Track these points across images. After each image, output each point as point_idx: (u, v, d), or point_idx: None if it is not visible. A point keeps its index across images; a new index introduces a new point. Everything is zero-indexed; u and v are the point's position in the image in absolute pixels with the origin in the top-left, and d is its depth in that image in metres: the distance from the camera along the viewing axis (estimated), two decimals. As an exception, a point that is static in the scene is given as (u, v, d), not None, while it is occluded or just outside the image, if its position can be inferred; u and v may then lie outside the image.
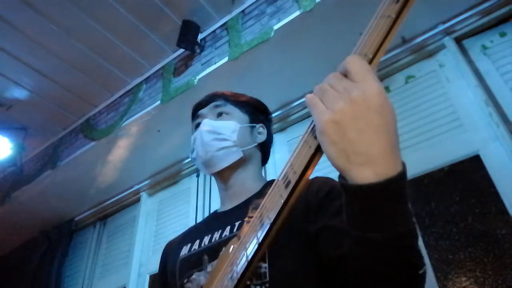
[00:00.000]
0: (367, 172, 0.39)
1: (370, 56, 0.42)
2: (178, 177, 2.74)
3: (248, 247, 0.49)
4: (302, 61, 2.00)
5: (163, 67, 2.57)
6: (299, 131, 2.22)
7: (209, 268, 0.70)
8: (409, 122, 1.77)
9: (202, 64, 2.26)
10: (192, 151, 0.89)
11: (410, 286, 0.46)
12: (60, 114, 2.96)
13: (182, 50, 2.42)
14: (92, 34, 2.43)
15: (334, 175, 0.50)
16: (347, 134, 0.40)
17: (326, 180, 0.72)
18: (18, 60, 2.55)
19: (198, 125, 0.89)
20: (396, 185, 0.40)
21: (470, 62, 1.76)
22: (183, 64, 2.42)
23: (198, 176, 2.55)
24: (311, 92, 0.46)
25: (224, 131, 0.85)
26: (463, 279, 1.41)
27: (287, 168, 0.46)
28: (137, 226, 2.71)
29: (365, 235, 0.43)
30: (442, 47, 1.86)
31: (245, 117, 0.91)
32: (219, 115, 0.89)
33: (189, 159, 2.59)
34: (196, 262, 0.74)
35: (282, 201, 0.45)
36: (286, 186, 0.45)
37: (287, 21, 1.88)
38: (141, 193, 2.87)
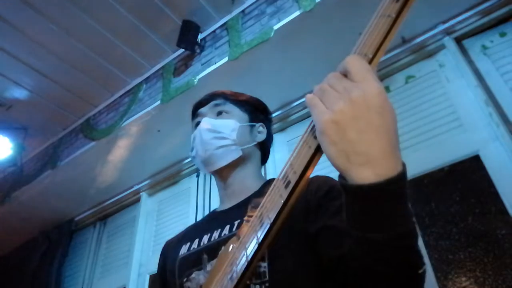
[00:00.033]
0: (367, 172, 0.39)
1: (370, 56, 0.42)
2: (178, 177, 2.74)
3: (248, 247, 0.48)
4: (302, 61, 2.00)
5: (163, 67, 2.57)
6: (299, 131, 2.22)
7: (208, 267, 0.70)
8: (409, 122, 1.77)
9: (202, 64, 2.26)
10: (192, 150, 0.89)
11: (410, 285, 0.46)
12: (60, 114, 2.96)
13: (182, 50, 2.42)
14: (92, 34, 2.43)
15: (334, 175, 0.50)
16: (347, 134, 0.40)
17: (326, 179, 0.72)
18: (18, 60, 2.55)
19: (198, 124, 0.89)
20: (396, 185, 0.40)
21: (470, 62, 1.76)
22: (183, 64, 2.42)
23: (198, 176, 2.55)
24: (311, 92, 0.46)
25: (223, 130, 0.85)
26: (463, 279, 1.41)
27: (287, 168, 0.46)
28: (137, 226, 2.71)
29: (365, 235, 0.43)
30: (442, 47, 1.86)
31: (244, 116, 0.91)
32: (219, 114, 0.89)
33: (189, 159, 2.59)
34: (195, 261, 0.74)
35: (282, 201, 0.45)
36: (286, 186, 0.45)
37: (287, 21, 1.88)
38: (141, 193, 2.87)
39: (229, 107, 0.90)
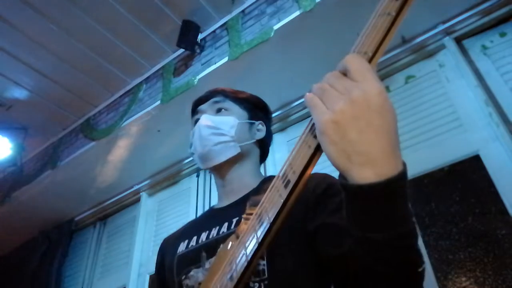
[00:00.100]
0: (368, 172, 0.39)
1: (370, 54, 0.42)
2: (178, 177, 2.74)
3: (248, 246, 0.48)
4: (302, 61, 2.00)
5: (163, 67, 2.57)
6: (299, 131, 2.21)
7: (207, 265, 0.70)
8: (409, 122, 1.77)
9: (202, 64, 2.26)
10: (191, 146, 0.89)
11: (409, 284, 0.46)
12: (60, 114, 2.96)
13: (182, 50, 2.42)
14: (92, 34, 2.43)
15: (335, 175, 0.49)
16: (347, 134, 0.40)
17: (324, 177, 0.72)
18: (18, 60, 2.55)
19: (197, 121, 0.89)
20: (397, 185, 0.40)
21: (470, 62, 1.76)
22: (183, 64, 2.42)
23: (198, 176, 2.55)
24: (310, 91, 0.46)
25: (222, 126, 0.85)
26: (463, 279, 1.41)
27: (286, 167, 0.46)
28: (137, 226, 2.71)
29: (365, 235, 0.43)
30: (442, 47, 1.86)
31: (244, 114, 0.91)
32: (218, 111, 0.89)
33: (189, 159, 2.59)
34: (194, 258, 0.74)
35: (282, 200, 0.45)
36: (286, 186, 0.45)
37: (287, 21, 1.88)
38: (141, 193, 2.87)
39: (229, 104, 0.90)
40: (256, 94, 0.99)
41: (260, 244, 0.47)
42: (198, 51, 2.35)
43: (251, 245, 0.48)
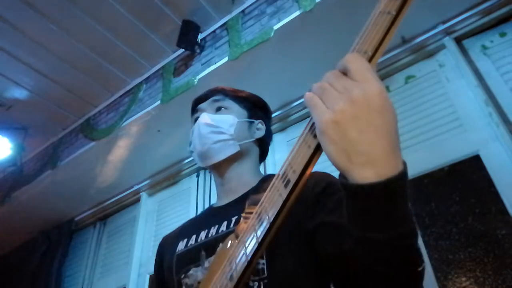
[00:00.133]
0: (368, 172, 0.39)
1: (370, 53, 0.42)
2: (178, 177, 2.74)
3: (248, 246, 0.48)
4: (302, 61, 2.00)
5: (163, 67, 2.57)
6: (299, 131, 2.19)
7: (206, 264, 0.70)
8: (409, 122, 1.77)
9: (202, 64, 2.26)
10: (190, 144, 0.89)
11: (409, 283, 0.46)
12: (60, 114, 2.97)
13: (182, 50, 2.42)
14: (92, 34, 2.43)
15: (335, 174, 0.49)
16: (348, 134, 0.40)
17: (323, 175, 0.72)
18: (18, 60, 2.55)
19: (197, 119, 0.89)
20: (397, 185, 0.40)
21: (470, 62, 1.76)
22: (183, 64, 2.42)
23: (198, 176, 2.55)
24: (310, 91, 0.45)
25: (221, 125, 0.85)
26: (463, 279, 1.41)
27: (286, 167, 0.46)
28: (137, 226, 2.71)
29: (365, 235, 0.43)
30: (442, 47, 1.86)
31: (243, 112, 0.91)
32: (218, 109, 0.89)
33: (189, 159, 2.59)
34: (193, 257, 0.73)
35: (282, 200, 0.45)
36: (286, 186, 0.45)
37: (287, 21, 1.88)
38: (141, 193, 2.87)
39: (229, 103, 0.90)
40: (256, 94, 0.99)
41: (260, 244, 0.47)
42: (198, 51, 2.35)
43: (251, 244, 0.48)
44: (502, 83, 1.63)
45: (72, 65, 2.63)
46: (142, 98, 2.56)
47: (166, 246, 0.87)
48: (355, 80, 0.40)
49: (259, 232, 0.47)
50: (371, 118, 0.39)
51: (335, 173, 0.50)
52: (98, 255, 2.96)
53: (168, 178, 2.76)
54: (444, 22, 1.84)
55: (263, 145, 0.94)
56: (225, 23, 2.31)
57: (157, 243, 0.92)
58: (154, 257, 0.90)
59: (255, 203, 0.51)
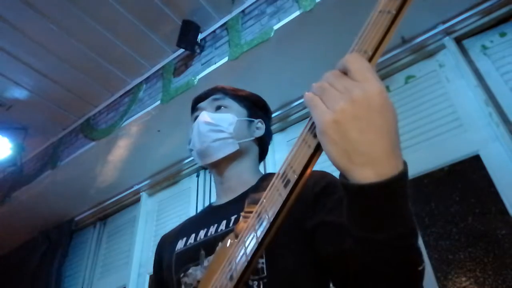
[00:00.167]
0: (369, 172, 0.39)
1: (370, 53, 0.41)
2: (178, 177, 2.73)
3: (248, 245, 0.48)
4: (302, 61, 2.00)
5: (163, 67, 2.57)
6: (299, 131, 2.18)
7: (205, 263, 0.70)
8: (409, 122, 1.77)
9: (202, 64, 2.26)
10: (189, 142, 0.89)
11: (409, 283, 0.46)
12: (60, 114, 2.96)
13: (182, 50, 2.42)
14: (92, 34, 2.43)
15: (335, 174, 0.49)
16: (348, 134, 0.40)
17: (323, 174, 0.72)
18: (18, 60, 2.55)
19: (197, 118, 0.89)
20: (397, 185, 0.40)
21: (470, 62, 1.76)
22: (183, 64, 2.42)
23: (198, 176, 2.55)
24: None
25: (221, 123, 0.85)
26: (463, 279, 1.41)
27: (286, 166, 0.46)
28: (137, 226, 2.71)
29: (365, 235, 0.43)
30: (442, 47, 1.86)
31: (243, 111, 0.91)
32: (218, 108, 0.90)
33: (189, 159, 2.59)
34: (192, 256, 0.73)
35: (282, 200, 0.45)
36: (285, 185, 0.45)
37: (287, 21, 1.88)
38: (141, 193, 2.87)
39: (228, 102, 0.91)
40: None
41: (260, 244, 0.47)
42: (198, 51, 2.35)
43: (251, 244, 0.48)
44: (502, 83, 1.63)
45: (72, 65, 2.63)
46: (142, 98, 2.56)
47: (165, 245, 0.87)
48: (355, 80, 0.40)
49: (259, 232, 0.47)
50: (372, 118, 0.39)
51: (335, 173, 0.50)
52: (98, 255, 2.96)
53: (168, 178, 2.76)
54: (444, 22, 1.84)
55: (262, 144, 0.94)
56: (225, 23, 2.31)
57: (157, 243, 0.92)
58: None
59: (255, 202, 0.51)
